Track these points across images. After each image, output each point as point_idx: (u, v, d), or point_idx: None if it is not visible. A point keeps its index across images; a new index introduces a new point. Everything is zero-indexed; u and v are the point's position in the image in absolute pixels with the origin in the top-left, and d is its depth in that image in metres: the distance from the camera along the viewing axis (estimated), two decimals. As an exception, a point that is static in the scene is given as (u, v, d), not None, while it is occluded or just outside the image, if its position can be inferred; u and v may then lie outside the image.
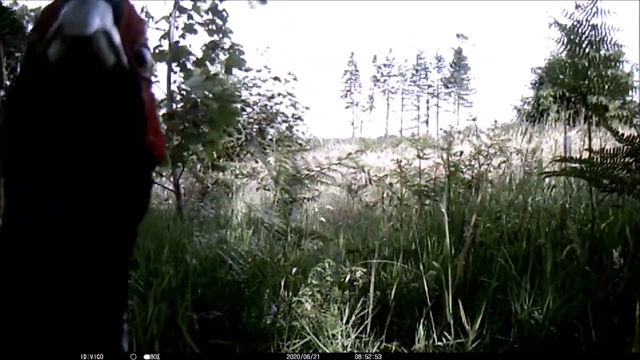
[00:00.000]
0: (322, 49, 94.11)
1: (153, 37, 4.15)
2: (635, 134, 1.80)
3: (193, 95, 3.94)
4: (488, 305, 1.78)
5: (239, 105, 5.80)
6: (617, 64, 2.00)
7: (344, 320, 1.85)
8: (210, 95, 3.84)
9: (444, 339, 1.75)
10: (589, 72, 1.98)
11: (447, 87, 56.63)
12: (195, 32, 4.19)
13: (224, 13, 4.17)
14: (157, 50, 4.11)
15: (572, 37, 1.96)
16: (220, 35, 4.20)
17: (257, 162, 8.67)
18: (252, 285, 1.98)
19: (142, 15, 4.06)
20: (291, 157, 2.59)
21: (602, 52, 1.97)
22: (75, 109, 0.56)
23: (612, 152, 1.81)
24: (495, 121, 10.75)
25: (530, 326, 1.68)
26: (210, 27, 4.17)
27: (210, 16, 4.18)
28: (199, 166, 7.21)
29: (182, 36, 4.13)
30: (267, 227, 2.55)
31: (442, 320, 1.79)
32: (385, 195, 4.27)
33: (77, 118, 0.56)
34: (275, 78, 11.09)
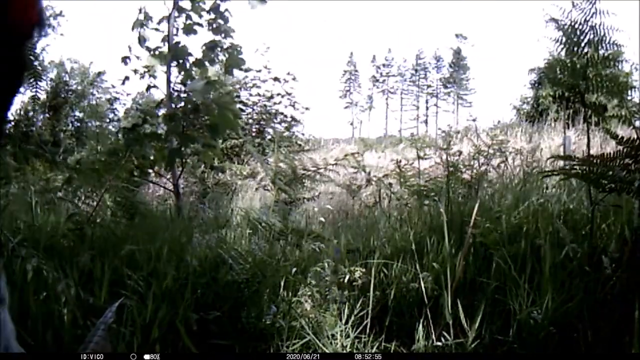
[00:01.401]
0: (321, 49, 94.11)
1: (153, 39, 4.15)
2: (635, 136, 1.81)
3: (193, 98, 3.94)
4: (487, 305, 1.78)
5: (238, 107, 5.79)
6: (616, 64, 2.00)
7: (344, 320, 1.85)
8: (211, 100, 3.85)
9: (443, 339, 1.75)
10: (588, 72, 1.98)
11: (446, 87, 56.64)
12: (194, 32, 4.19)
13: (227, 13, 4.17)
14: (157, 52, 4.11)
15: (570, 36, 1.96)
16: (222, 35, 4.19)
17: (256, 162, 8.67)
18: (252, 285, 1.98)
19: (141, 17, 4.06)
20: (289, 157, 2.59)
21: (601, 51, 1.97)
22: None
23: (611, 154, 1.81)
24: (499, 121, 10.77)
25: (529, 326, 1.68)
26: (213, 26, 4.16)
27: (212, 16, 4.18)
28: (201, 167, 7.20)
29: (185, 34, 4.13)
30: (265, 228, 2.55)
31: (442, 320, 1.79)
32: (385, 195, 4.27)
33: None
34: (275, 79, 11.10)
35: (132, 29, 4.08)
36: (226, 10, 4.18)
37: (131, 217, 2.87)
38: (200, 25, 4.19)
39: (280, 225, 2.38)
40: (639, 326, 1.44)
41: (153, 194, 6.36)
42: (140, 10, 4.10)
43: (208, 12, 4.17)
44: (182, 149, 3.89)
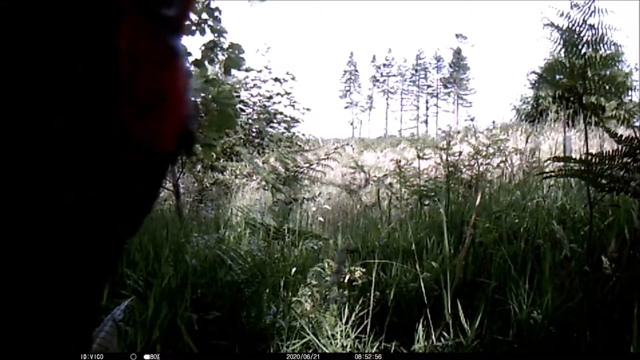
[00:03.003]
0: (321, 49, 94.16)
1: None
2: (633, 135, 1.81)
3: (192, 98, 3.93)
4: (487, 305, 1.78)
5: (238, 106, 5.78)
6: (615, 64, 2.00)
7: (344, 320, 1.86)
8: (210, 97, 3.84)
9: (443, 339, 1.75)
10: (586, 72, 1.98)
11: (446, 87, 56.64)
12: (192, 33, 4.18)
13: (217, 13, 4.15)
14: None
15: (568, 37, 1.96)
16: (216, 35, 4.18)
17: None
18: (252, 285, 1.98)
19: None
20: (284, 157, 2.58)
21: (600, 52, 1.97)
22: None
23: (610, 153, 1.81)
24: (494, 122, 10.77)
25: (529, 326, 1.68)
26: (202, 26, 4.14)
27: (205, 16, 4.16)
28: (199, 167, 7.20)
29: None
30: (261, 228, 2.55)
31: (442, 320, 1.80)
32: (384, 195, 4.27)
33: None
34: (276, 79, 11.11)
35: None
36: (216, 8, 4.16)
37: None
38: (196, 24, 4.16)
39: (275, 224, 2.38)
40: (638, 326, 1.44)
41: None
42: None
43: (200, 13, 4.15)
44: None
